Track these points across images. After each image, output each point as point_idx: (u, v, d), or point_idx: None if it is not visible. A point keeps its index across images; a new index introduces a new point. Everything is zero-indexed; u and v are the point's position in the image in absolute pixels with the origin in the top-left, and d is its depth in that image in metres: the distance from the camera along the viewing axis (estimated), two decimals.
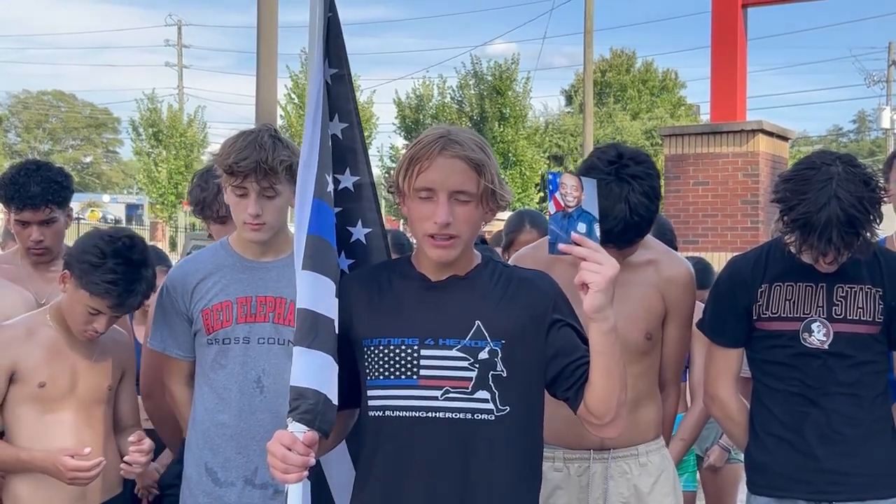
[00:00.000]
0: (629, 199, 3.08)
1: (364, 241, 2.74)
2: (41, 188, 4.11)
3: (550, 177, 2.49)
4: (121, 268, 3.08)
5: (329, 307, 2.48)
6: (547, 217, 2.68)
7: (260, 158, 3.11)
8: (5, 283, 3.78)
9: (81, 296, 3.05)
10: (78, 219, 45.97)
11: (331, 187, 2.59)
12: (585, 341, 2.44)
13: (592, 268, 2.25)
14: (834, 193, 2.94)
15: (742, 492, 3.75)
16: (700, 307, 3.70)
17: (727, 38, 11.64)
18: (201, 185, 4.09)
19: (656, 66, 64.55)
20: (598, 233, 2.39)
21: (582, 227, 2.39)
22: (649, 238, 3.65)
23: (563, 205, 2.40)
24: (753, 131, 11.42)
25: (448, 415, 2.41)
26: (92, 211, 60.11)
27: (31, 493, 3.15)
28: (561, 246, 2.35)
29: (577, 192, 2.42)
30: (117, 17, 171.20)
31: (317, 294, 2.48)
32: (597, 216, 2.44)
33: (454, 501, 2.44)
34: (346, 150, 2.71)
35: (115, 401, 3.46)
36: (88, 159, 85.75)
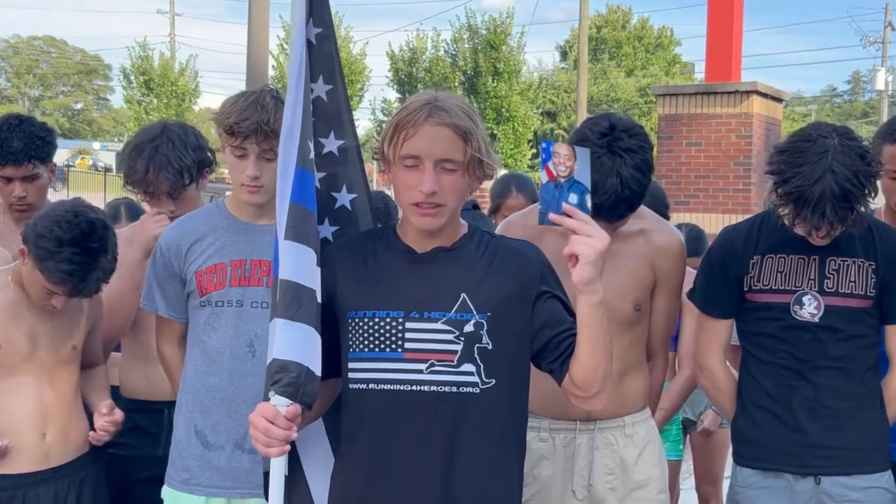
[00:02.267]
0: (621, 172, 3.06)
1: (349, 208, 2.72)
2: (24, 144, 4.07)
3: (544, 145, 2.47)
4: (77, 257, 3.06)
5: (311, 278, 2.49)
6: (538, 185, 2.66)
7: (261, 120, 3.09)
8: None
9: (38, 277, 3.05)
10: (68, 166, 46.10)
11: (313, 154, 2.57)
12: (571, 313, 2.46)
13: (583, 240, 2.26)
14: (829, 167, 2.93)
15: (731, 456, 3.78)
16: (692, 275, 3.71)
17: (720, 13, 11.60)
18: (129, 164, 3.97)
19: (652, 22, 64.68)
20: (589, 204, 2.40)
21: (573, 197, 2.39)
22: (640, 207, 3.65)
23: (555, 174, 2.40)
24: (748, 92, 11.45)
25: (433, 388, 2.42)
26: (82, 158, 60.09)
27: None
28: (552, 216, 2.34)
29: (569, 161, 2.41)
30: None
31: (300, 265, 2.49)
32: (589, 187, 2.44)
33: (439, 475, 2.45)
34: (330, 113, 2.67)
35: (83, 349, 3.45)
36: (79, 106, 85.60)
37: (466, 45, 45.22)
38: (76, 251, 3.00)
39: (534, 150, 43.64)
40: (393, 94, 47.13)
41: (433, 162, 2.37)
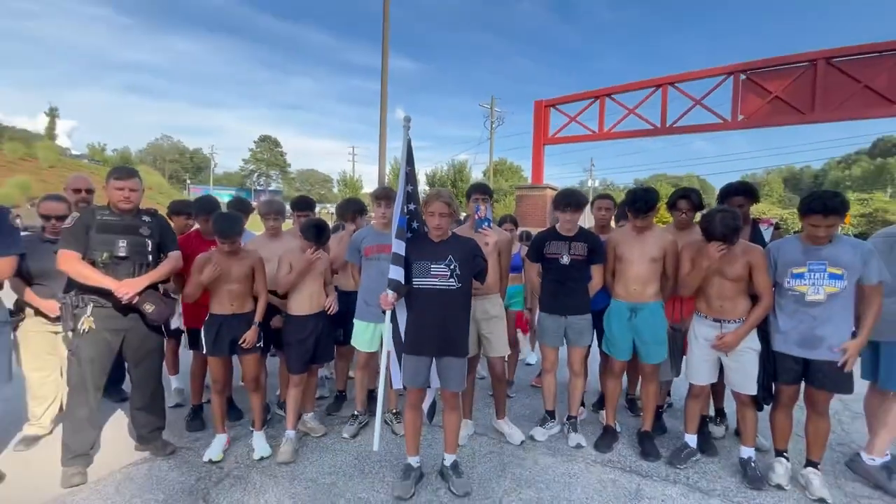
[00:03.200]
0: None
1: (416, 229, 2.59)
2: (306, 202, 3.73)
3: (475, 207, 2.56)
4: (315, 230, 2.85)
5: (402, 251, 2.42)
6: (475, 217, 2.67)
7: (386, 193, 3.04)
8: (290, 238, 3.33)
9: (305, 241, 2.87)
10: (318, 214, 45.18)
11: (405, 209, 2.52)
12: (484, 259, 2.42)
13: (488, 238, 2.42)
14: (577, 195, 2.90)
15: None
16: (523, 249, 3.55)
17: (537, 158, 11.11)
18: (339, 211, 3.68)
19: (516, 163, 63.44)
20: (492, 226, 2.50)
21: (486, 223, 2.45)
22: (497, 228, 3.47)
23: (479, 216, 2.48)
24: (547, 186, 10.97)
25: (441, 287, 2.36)
26: (324, 209, 59.31)
27: (294, 300, 2.86)
28: (479, 230, 2.47)
29: (483, 212, 2.48)
30: (326, 145, 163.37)
31: (399, 247, 2.43)
32: (491, 219, 2.52)
33: (442, 319, 2.37)
34: (411, 197, 2.59)
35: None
36: (323, 192, 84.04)
37: (452, 169, 44.40)
38: (313, 227, 2.85)
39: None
40: (428, 188, 46.16)
41: (438, 214, 2.35)
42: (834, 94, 8.55)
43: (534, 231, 4.02)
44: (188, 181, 63.33)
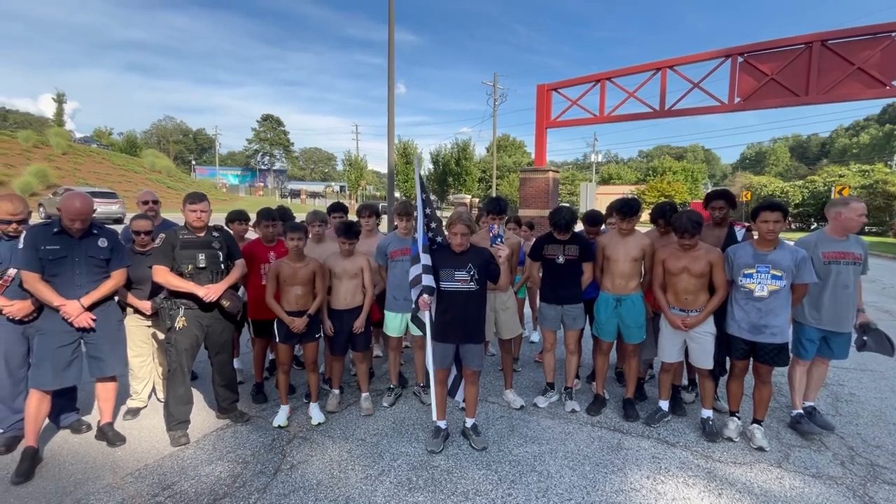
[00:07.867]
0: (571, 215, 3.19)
1: (440, 242, 2.82)
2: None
3: (491, 227, 2.79)
4: (346, 233, 3.01)
5: (430, 262, 2.69)
6: (490, 235, 2.86)
7: (406, 210, 3.29)
8: (333, 243, 3.45)
9: (340, 240, 3.13)
10: (315, 195, 43.12)
11: (426, 229, 2.76)
12: (497, 265, 2.69)
13: (501, 253, 2.60)
14: (564, 215, 3.16)
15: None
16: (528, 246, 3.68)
17: (540, 141, 11.02)
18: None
19: (517, 138, 62.00)
20: (503, 241, 2.68)
21: (499, 239, 2.73)
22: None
23: (494, 233, 2.73)
24: (549, 169, 10.83)
25: (463, 289, 2.66)
26: (328, 187, 57.68)
27: (333, 297, 3.07)
28: (493, 245, 2.66)
29: (497, 230, 2.75)
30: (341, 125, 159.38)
31: (427, 258, 2.71)
32: (503, 235, 2.72)
33: (463, 314, 2.66)
34: (431, 217, 2.81)
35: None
36: (326, 170, 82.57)
37: (456, 147, 42.06)
38: (344, 230, 3.08)
39: (479, 185, 41.98)
40: (431, 167, 44.11)
41: (460, 234, 2.60)
42: (828, 75, 8.54)
43: (535, 214, 4.06)
44: (193, 162, 62.57)
